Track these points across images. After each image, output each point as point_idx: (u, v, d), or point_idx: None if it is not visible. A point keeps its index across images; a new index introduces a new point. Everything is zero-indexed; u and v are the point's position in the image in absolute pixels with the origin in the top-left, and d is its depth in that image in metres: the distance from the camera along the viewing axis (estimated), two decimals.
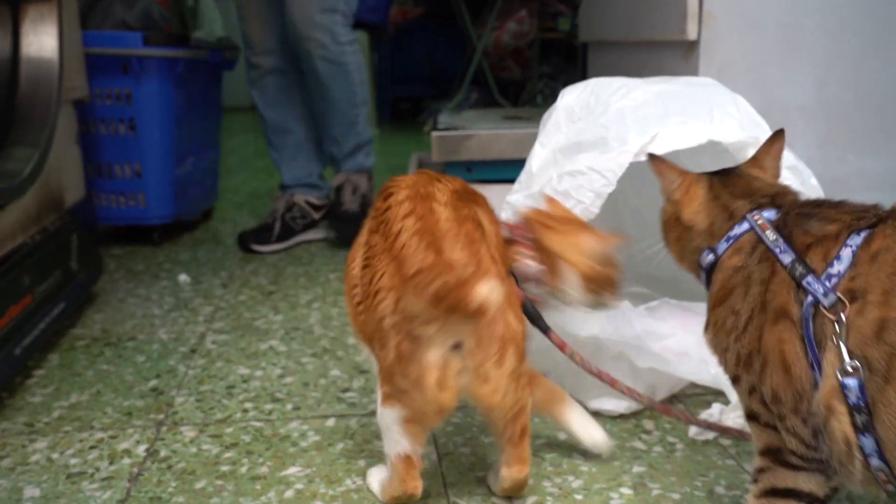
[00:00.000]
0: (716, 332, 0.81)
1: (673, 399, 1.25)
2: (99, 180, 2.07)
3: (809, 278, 0.71)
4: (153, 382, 1.34)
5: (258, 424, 1.19)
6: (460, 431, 1.16)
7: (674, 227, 0.89)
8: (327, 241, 2.25)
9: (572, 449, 1.10)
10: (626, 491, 1.00)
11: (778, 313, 0.73)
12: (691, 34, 1.63)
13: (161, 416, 1.22)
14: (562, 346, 1.06)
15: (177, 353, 1.46)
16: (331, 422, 1.20)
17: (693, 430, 1.13)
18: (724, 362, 0.82)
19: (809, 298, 0.71)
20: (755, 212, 0.81)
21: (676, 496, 0.98)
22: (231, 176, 3.33)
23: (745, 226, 0.81)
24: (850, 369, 0.67)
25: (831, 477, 0.75)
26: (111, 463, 1.08)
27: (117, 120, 2.04)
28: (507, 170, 1.42)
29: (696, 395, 1.26)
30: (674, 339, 1.23)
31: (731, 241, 0.81)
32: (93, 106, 2.00)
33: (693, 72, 1.66)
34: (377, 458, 1.08)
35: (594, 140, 1.15)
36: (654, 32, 1.78)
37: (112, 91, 2.01)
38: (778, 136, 0.91)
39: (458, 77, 4.13)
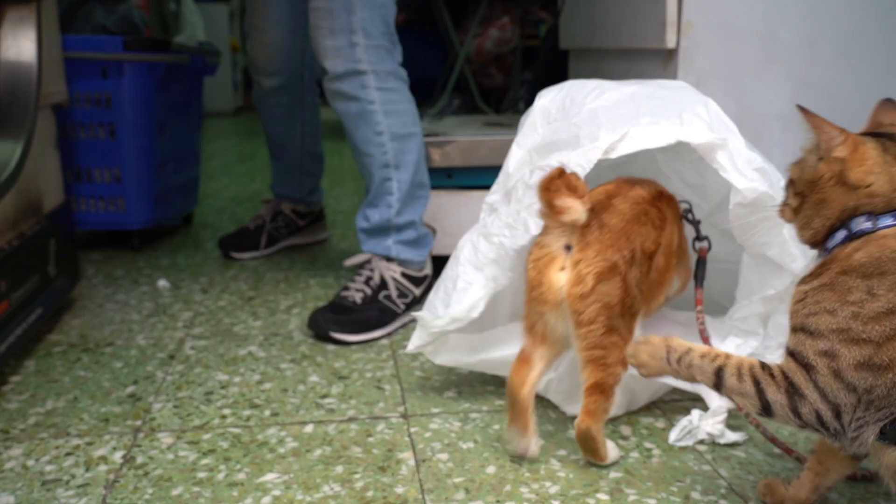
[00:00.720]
0: (823, 289, 0.77)
1: (651, 406, 1.25)
2: (78, 185, 2.06)
3: None
4: (131, 388, 1.33)
5: (236, 431, 1.18)
6: (438, 437, 1.16)
7: (823, 188, 0.80)
8: (311, 245, 2.26)
9: (550, 455, 1.10)
10: (602, 497, 1.00)
11: None
12: (670, 42, 1.64)
13: (138, 423, 1.21)
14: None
15: (155, 359, 1.45)
16: (309, 428, 1.19)
17: (672, 437, 1.14)
18: (807, 315, 0.78)
19: None
20: None
21: (652, 502, 0.99)
22: (212, 181, 3.32)
23: None
24: None
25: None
26: (87, 470, 1.07)
27: (97, 124, 2.03)
28: (488, 176, 1.43)
29: (674, 402, 1.27)
30: None
31: None
32: (72, 110, 1.99)
33: (672, 79, 1.68)
34: (355, 463, 1.08)
35: (567, 139, 1.17)
36: (634, 40, 1.79)
37: (92, 95, 2.00)
38: (889, 104, 0.88)
39: (441, 83, 4.14)
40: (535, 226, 1.15)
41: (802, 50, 1.68)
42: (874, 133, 0.83)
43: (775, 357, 1.21)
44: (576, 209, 0.98)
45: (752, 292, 1.20)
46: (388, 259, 1.63)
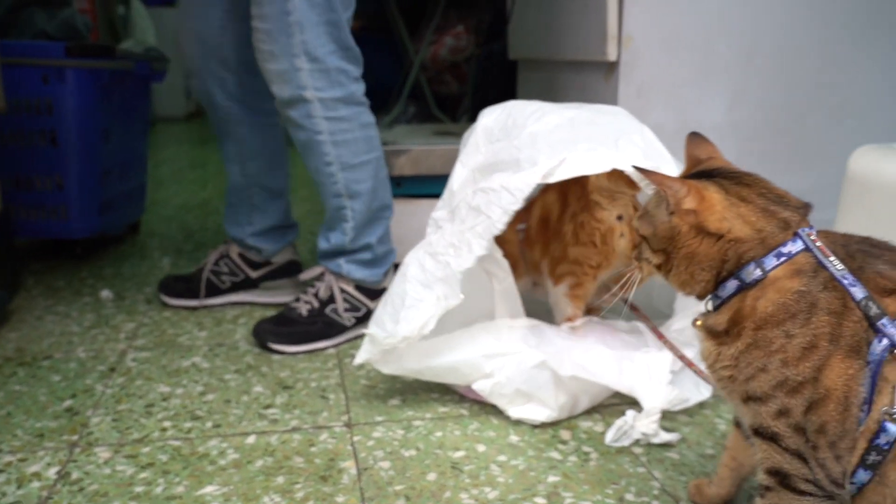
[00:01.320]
0: (749, 349, 0.77)
1: (592, 410, 1.28)
2: (18, 193, 2.01)
3: (885, 320, 0.70)
4: (68, 402, 1.31)
5: (176, 443, 1.17)
6: (381, 446, 1.17)
7: (686, 242, 0.80)
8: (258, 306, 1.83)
9: (491, 460, 1.12)
10: (540, 500, 1.02)
11: (853, 349, 0.72)
12: (611, 55, 1.68)
13: (75, 438, 1.19)
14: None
15: (95, 372, 1.43)
16: (251, 439, 1.19)
17: (609, 437, 1.17)
18: (746, 380, 0.78)
19: (885, 342, 0.70)
20: (807, 229, 0.77)
21: None
22: (161, 188, 3.27)
23: (800, 244, 0.76)
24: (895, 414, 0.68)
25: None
26: (19, 487, 1.05)
27: (37, 131, 1.98)
28: (437, 185, 1.44)
29: (614, 406, 1.29)
30: (594, 352, 1.27)
31: (783, 259, 0.76)
32: (11, 117, 1.94)
33: (614, 92, 1.72)
34: (296, 474, 1.08)
35: (508, 161, 1.19)
36: (578, 53, 1.83)
37: (32, 102, 1.96)
38: (697, 137, 0.90)
39: (396, 91, 4.15)
40: (478, 247, 1.17)
41: (739, 63, 1.74)
42: (701, 173, 0.84)
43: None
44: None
45: (687, 305, 1.24)
46: (340, 276, 1.61)
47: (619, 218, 1.31)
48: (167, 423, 1.24)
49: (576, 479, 1.07)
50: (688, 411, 1.27)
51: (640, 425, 1.16)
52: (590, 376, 1.21)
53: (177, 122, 5.94)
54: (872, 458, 0.70)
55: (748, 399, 0.78)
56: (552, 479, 1.07)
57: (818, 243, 0.76)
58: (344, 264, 1.60)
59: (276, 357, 1.50)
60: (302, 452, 1.15)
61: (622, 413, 1.24)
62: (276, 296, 1.82)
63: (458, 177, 1.29)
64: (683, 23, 1.69)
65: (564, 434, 1.20)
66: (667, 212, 0.81)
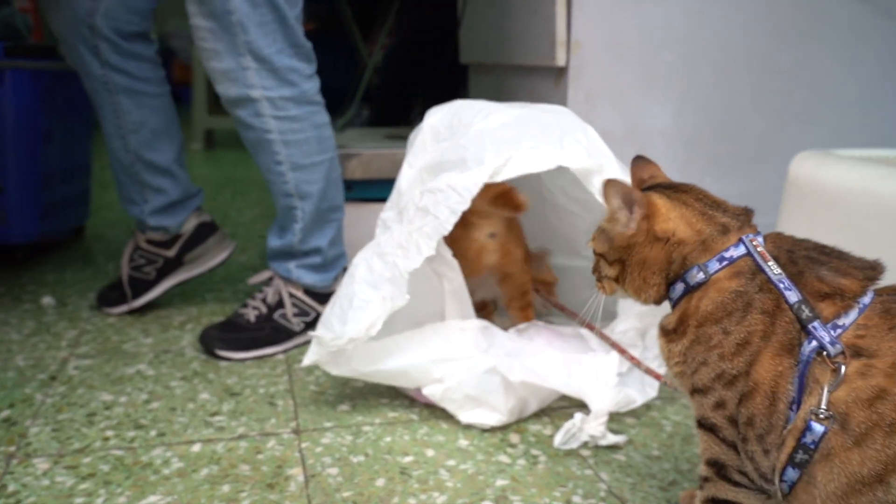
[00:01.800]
0: (693, 345, 0.81)
1: (540, 413, 1.29)
2: None
3: (816, 324, 0.73)
4: (5, 413, 1.27)
5: (119, 453, 1.15)
6: (329, 452, 1.16)
7: (640, 248, 0.85)
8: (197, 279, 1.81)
9: (440, 465, 1.12)
10: None
11: (784, 347, 0.75)
12: (560, 61, 1.70)
13: (12, 449, 1.15)
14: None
15: (34, 381, 1.39)
16: (196, 447, 1.17)
17: (557, 440, 1.18)
18: (692, 374, 0.81)
19: (814, 343, 0.72)
20: (751, 235, 0.81)
21: None
22: (108, 191, 3.19)
23: (742, 249, 0.80)
24: (822, 416, 0.71)
25: (771, 496, 0.79)
26: None
27: None
28: (388, 189, 1.44)
29: (562, 409, 1.31)
30: (542, 356, 1.28)
31: (725, 263, 0.80)
32: None
33: (563, 96, 1.74)
34: (242, 482, 1.07)
35: (455, 160, 1.20)
36: (527, 58, 1.85)
37: None
38: (641, 160, 0.94)
39: (350, 93, 4.13)
40: (426, 247, 1.18)
41: (683, 70, 1.77)
42: (643, 189, 0.88)
43: (655, 367, 1.27)
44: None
45: (630, 307, 1.26)
46: (289, 280, 1.60)
47: (492, 235, 1.38)
48: (109, 433, 1.21)
49: (524, 483, 1.08)
50: (635, 413, 1.29)
51: (588, 428, 1.17)
52: (539, 380, 1.22)
53: None
54: (800, 456, 0.72)
55: (693, 391, 0.82)
56: (500, 482, 1.08)
57: (759, 249, 0.79)
58: (294, 269, 1.58)
59: (223, 364, 1.48)
60: (248, 460, 1.13)
61: (571, 416, 1.25)
62: (207, 262, 1.78)
63: (406, 177, 1.29)
64: (629, 30, 1.73)
65: (513, 437, 1.21)
66: (625, 221, 0.85)
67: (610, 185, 0.84)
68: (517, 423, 1.25)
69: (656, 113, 1.77)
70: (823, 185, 1.25)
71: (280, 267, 1.59)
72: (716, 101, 1.80)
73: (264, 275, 1.63)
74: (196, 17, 1.41)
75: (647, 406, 1.31)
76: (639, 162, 0.95)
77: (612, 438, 1.17)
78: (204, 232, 1.78)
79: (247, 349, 1.50)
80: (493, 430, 1.23)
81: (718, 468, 0.82)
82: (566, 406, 1.31)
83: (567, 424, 1.19)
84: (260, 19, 1.40)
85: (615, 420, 1.25)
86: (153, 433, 1.21)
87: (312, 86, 1.50)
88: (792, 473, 0.73)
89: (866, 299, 0.74)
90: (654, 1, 1.72)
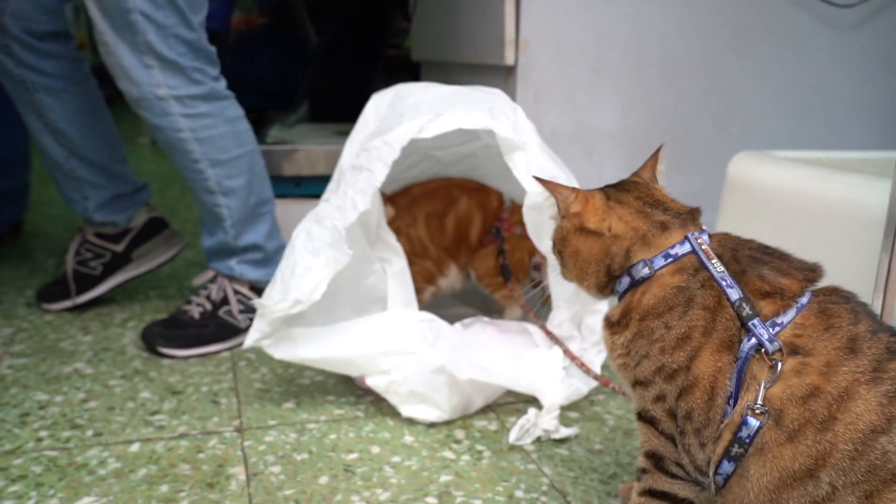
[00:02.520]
0: (636, 338, 0.82)
1: (486, 409, 1.30)
2: None
3: (756, 321, 0.75)
4: None
5: (52, 454, 1.12)
6: (273, 450, 1.14)
7: (573, 241, 0.89)
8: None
9: (384, 462, 1.12)
10: (431, 500, 1.02)
11: (724, 344, 0.76)
12: (509, 60, 1.71)
13: None
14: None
15: None
16: (135, 447, 1.14)
17: (513, 437, 1.18)
18: (634, 366, 0.83)
19: (753, 341, 0.74)
20: (696, 234, 0.82)
21: (478, 502, 1.02)
22: (49, 186, 3.10)
23: (687, 246, 0.81)
24: (758, 411, 0.72)
25: (707, 489, 0.81)
26: None
27: None
28: None
29: (509, 405, 1.32)
30: (488, 351, 1.29)
31: (670, 260, 0.82)
32: None
33: (512, 95, 1.75)
34: (182, 482, 1.05)
35: (391, 126, 1.24)
36: (477, 56, 1.85)
37: None
38: (655, 153, 0.96)
39: (302, 89, 4.08)
40: (361, 202, 1.20)
41: (629, 71, 1.80)
42: (613, 185, 0.93)
43: (592, 356, 1.29)
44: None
45: (560, 297, 1.29)
46: (232, 278, 1.57)
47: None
48: (43, 433, 1.17)
49: (468, 478, 1.08)
50: (578, 408, 1.30)
51: (542, 422, 1.19)
52: (488, 377, 1.23)
53: None
54: (735, 450, 0.74)
55: (635, 384, 0.84)
56: (445, 478, 1.08)
57: (704, 247, 0.81)
58: (236, 266, 1.56)
59: (165, 361, 1.45)
60: (189, 459, 1.11)
61: (517, 412, 1.27)
62: (155, 259, 1.74)
63: (347, 154, 1.32)
64: (578, 30, 1.74)
65: (459, 433, 1.21)
66: (559, 215, 0.90)
67: (543, 184, 0.90)
68: (462, 420, 1.26)
69: (603, 113, 1.80)
70: (759, 185, 1.28)
71: (221, 265, 1.57)
72: (662, 102, 1.84)
73: (208, 274, 1.60)
74: (93, 10, 1.35)
75: (591, 401, 1.33)
76: (652, 158, 0.96)
77: (564, 432, 1.19)
78: (154, 227, 1.74)
79: (190, 346, 1.48)
80: (438, 426, 1.23)
81: (656, 460, 0.84)
82: (512, 402, 1.32)
83: (521, 420, 1.19)
84: (162, 21, 1.35)
85: (565, 413, 1.27)
86: (90, 433, 1.18)
87: (220, 84, 1.47)
88: (727, 466, 0.75)
89: (804, 299, 0.76)
90: (603, 2, 1.74)
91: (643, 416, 0.84)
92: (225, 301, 1.54)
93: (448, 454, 1.15)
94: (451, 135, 1.50)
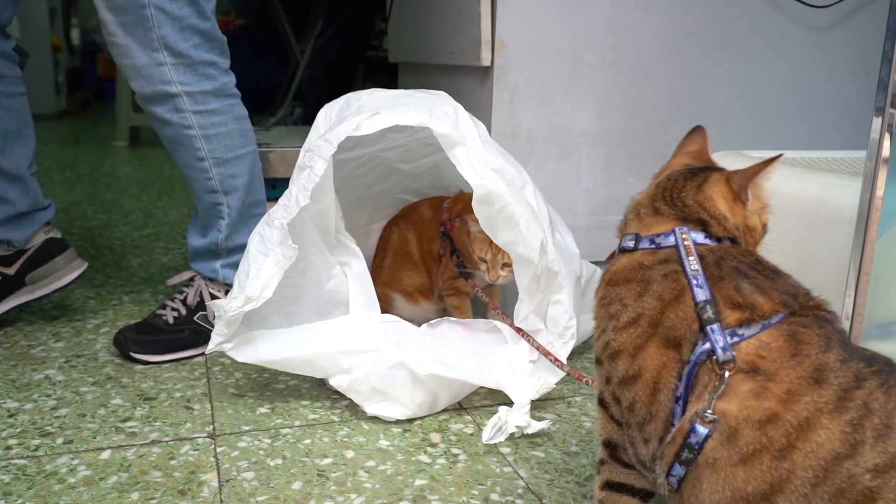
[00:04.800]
0: (602, 305, 0.82)
1: (462, 412, 1.29)
2: None
3: (715, 326, 0.72)
4: None
5: (21, 462, 1.10)
6: (246, 456, 1.13)
7: None
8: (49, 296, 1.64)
9: (359, 466, 1.11)
10: None
11: (671, 341, 0.74)
12: (485, 61, 1.71)
13: None
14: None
15: None
16: (105, 454, 1.13)
17: (485, 436, 1.18)
18: (596, 339, 0.83)
19: (706, 346, 0.71)
20: (684, 229, 0.80)
21: None
22: None
23: (672, 239, 0.80)
24: (707, 419, 0.70)
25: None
26: None
27: None
28: None
29: (484, 407, 1.31)
30: (453, 348, 1.28)
31: (652, 246, 0.81)
32: None
33: (489, 96, 1.75)
34: (153, 489, 1.03)
35: (333, 127, 1.28)
36: (454, 57, 1.85)
37: None
38: (697, 131, 0.94)
39: (282, 92, 4.06)
40: (303, 198, 1.22)
41: (605, 72, 1.80)
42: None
43: (558, 348, 1.29)
44: None
45: (520, 288, 1.29)
46: (212, 280, 1.56)
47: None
48: (12, 441, 1.15)
49: (443, 482, 1.08)
50: (554, 410, 1.30)
51: (513, 419, 1.18)
52: (450, 373, 1.23)
53: (46, 121, 5.58)
54: (686, 454, 0.72)
55: (595, 361, 0.83)
56: (419, 482, 1.07)
57: (687, 243, 0.79)
58: (220, 269, 1.54)
59: (138, 367, 1.43)
60: (160, 466, 1.10)
61: (493, 414, 1.26)
62: (53, 282, 1.61)
63: (298, 161, 1.34)
64: (554, 32, 1.74)
65: (434, 437, 1.21)
66: None
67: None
68: (438, 423, 1.25)
69: (579, 114, 1.80)
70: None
71: (204, 267, 1.55)
72: (637, 103, 1.84)
73: (184, 275, 1.58)
74: (104, 11, 1.36)
75: (567, 403, 1.32)
76: (693, 134, 0.95)
77: (536, 426, 1.18)
78: (52, 249, 1.61)
79: (164, 352, 1.46)
80: (413, 430, 1.22)
81: (611, 449, 0.82)
82: (489, 404, 1.31)
83: (492, 420, 1.19)
84: (177, 12, 1.36)
85: (536, 406, 1.26)
86: (60, 441, 1.16)
87: (230, 79, 1.48)
88: (679, 469, 0.73)
89: (774, 319, 0.73)
90: (578, 3, 1.74)
91: (599, 400, 0.83)
92: (201, 306, 1.52)
93: (423, 458, 1.14)
94: (414, 147, 1.53)
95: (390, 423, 1.24)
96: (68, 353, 1.49)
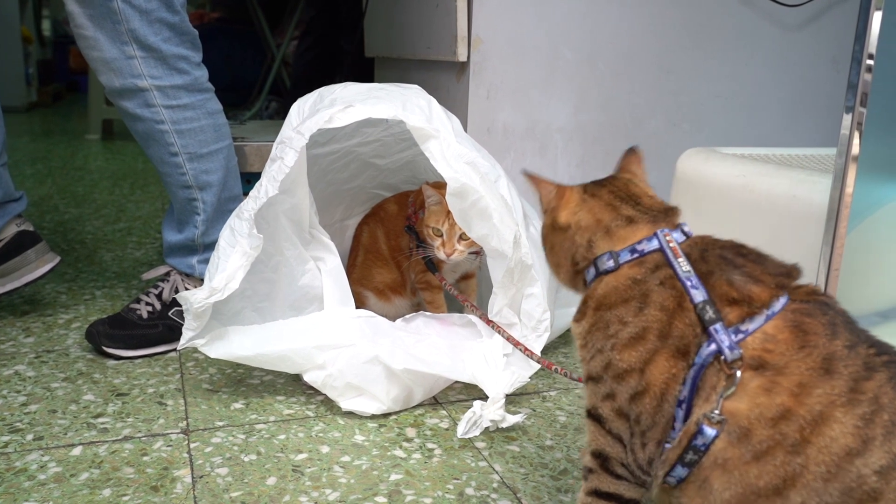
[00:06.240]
0: (592, 331, 0.80)
1: (437, 407, 1.29)
2: None
3: (718, 326, 0.70)
4: None
5: None
6: (220, 452, 1.12)
7: (549, 236, 0.88)
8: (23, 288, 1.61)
9: (334, 461, 1.11)
10: (381, 500, 1.02)
11: (680, 351, 0.73)
12: (461, 56, 1.71)
13: None
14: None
15: None
16: (77, 451, 1.11)
17: (461, 431, 1.18)
18: (589, 360, 0.81)
19: (713, 346, 0.70)
20: (665, 230, 0.79)
21: (428, 500, 1.02)
22: None
23: (655, 243, 0.78)
24: (714, 420, 0.69)
25: (650, 489, 0.79)
26: None
27: None
28: None
29: (459, 402, 1.31)
30: (428, 342, 1.29)
31: (636, 255, 0.79)
32: None
33: (465, 92, 1.75)
34: (125, 485, 1.02)
35: (305, 120, 1.28)
36: (430, 52, 1.84)
37: None
38: (632, 152, 0.95)
39: (258, 86, 4.03)
40: (272, 189, 1.23)
41: (582, 68, 1.81)
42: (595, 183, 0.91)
43: (532, 342, 1.29)
44: None
45: (493, 281, 1.30)
46: (189, 276, 1.54)
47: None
48: None
49: (418, 476, 1.08)
50: (529, 405, 1.31)
51: (488, 413, 1.19)
52: (425, 367, 1.23)
53: (17, 113, 5.49)
54: (690, 457, 0.72)
55: (588, 379, 0.81)
56: (395, 477, 1.07)
57: (672, 244, 0.78)
58: (197, 264, 1.53)
59: (111, 363, 1.42)
60: (133, 462, 1.09)
61: (466, 408, 1.26)
62: (24, 275, 1.58)
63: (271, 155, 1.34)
64: (530, 27, 1.75)
65: (410, 432, 1.21)
66: (542, 210, 0.90)
67: (530, 179, 0.89)
68: (414, 418, 1.25)
69: (556, 109, 1.80)
70: (707, 181, 1.30)
71: (181, 263, 1.53)
72: (614, 99, 1.85)
73: (160, 270, 1.56)
74: (71, 3, 1.33)
75: (542, 397, 1.33)
76: (629, 155, 0.95)
77: (511, 419, 1.19)
78: (23, 241, 1.58)
79: (137, 347, 1.44)
80: (389, 425, 1.22)
81: (602, 460, 0.82)
82: (464, 399, 1.32)
83: (467, 414, 1.19)
84: (143, 6, 1.34)
85: (510, 401, 1.27)
86: (30, 437, 1.14)
87: (203, 73, 1.46)
88: (681, 471, 0.73)
89: (776, 307, 0.71)
90: None
91: (591, 414, 0.82)
92: (176, 302, 1.50)
93: (399, 453, 1.14)
94: (389, 142, 1.52)
95: (365, 418, 1.24)
96: (39, 349, 1.47)
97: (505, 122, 1.77)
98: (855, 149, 1.03)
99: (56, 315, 1.64)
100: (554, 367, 1.24)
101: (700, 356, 0.71)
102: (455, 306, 1.57)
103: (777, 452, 0.66)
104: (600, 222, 0.83)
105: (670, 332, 0.74)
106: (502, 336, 1.27)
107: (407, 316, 1.38)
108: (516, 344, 1.25)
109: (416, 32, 1.91)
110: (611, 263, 0.80)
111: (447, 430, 1.21)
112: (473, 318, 1.36)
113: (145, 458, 1.10)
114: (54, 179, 3.23)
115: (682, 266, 0.75)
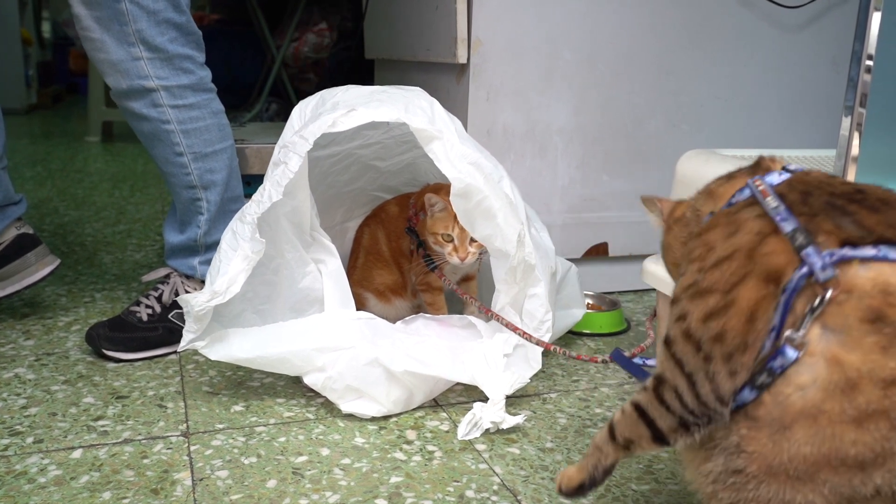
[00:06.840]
0: (676, 251, 0.83)
1: (438, 409, 1.29)
2: None
3: (810, 249, 0.65)
4: None
5: None
6: (220, 454, 1.12)
7: (668, 233, 0.90)
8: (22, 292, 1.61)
9: (334, 464, 1.10)
10: (380, 502, 1.02)
11: (770, 274, 0.67)
12: (461, 58, 1.71)
13: None
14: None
15: None
16: (77, 453, 1.11)
17: (461, 432, 1.18)
18: (674, 279, 0.82)
19: (804, 269, 0.65)
20: (757, 177, 0.77)
21: (428, 503, 1.02)
22: None
23: (748, 192, 0.76)
24: (797, 342, 0.63)
25: (685, 434, 0.74)
26: None
27: None
28: None
29: (459, 404, 1.31)
30: (428, 344, 1.28)
31: (730, 205, 0.78)
32: None
33: (465, 94, 1.75)
34: (125, 488, 1.02)
35: (308, 124, 1.28)
36: (430, 54, 1.84)
37: None
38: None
39: (258, 87, 4.03)
40: (275, 193, 1.22)
41: (582, 69, 1.81)
42: None
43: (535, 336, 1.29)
44: None
45: (496, 279, 1.31)
46: (189, 277, 1.54)
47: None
48: None
49: (418, 479, 1.08)
50: (530, 406, 1.31)
51: (488, 415, 1.19)
52: (425, 369, 1.23)
53: (17, 115, 5.49)
54: (762, 378, 0.66)
55: (672, 303, 0.78)
56: (395, 479, 1.07)
57: (761, 187, 0.75)
58: (198, 266, 1.53)
59: (111, 365, 1.42)
60: (133, 465, 1.08)
61: (466, 410, 1.26)
62: (24, 278, 1.57)
63: (273, 157, 1.33)
64: (530, 29, 1.74)
65: (410, 434, 1.21)
66: (662, 229, 0.93)
67: (648, 202, 0.96)
68: (414, 420, 1.25)
69: (556, 111, 1.80)
70: (705, 182, 1.30)
71: (182, 264, 1.53)
72: (614, 100, 1.85)
73: (160, 272, 1.56)
74: (78, 6, 1.34)
75: (543, 399, 1.33)
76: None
77: (511, 421, 1.19)
78: (23, 244, 1.58)
79: (137, 350, 1.44)
80: (389, 427, 1.22)
81: (658, 382, 0.77)
82: (465, 401, 1.32)
83: (468, 416, 1.19)
84: (151, 6, 1.34)
85: (510, 402, 1.27)
86: (30, 440, 1.14)
87: (207, 73, 1.47)
88: (748, 394, 0.67)
89: (893, 254, 0.64)
90: (555, 0, 1.75)
91: (665, 339, 0.77)
92: (176, 304, 1.50)
93: (399, 455, 1.14)
94: (390, 144, 1.52)
95: (366, 420, 1.24)
96: (39, 352, 1.47)
97: (505, 124, 1.77)
98: (854, 149, 1.03)
99: (56, 318, 1.64)
100: (553, 347, 1.24)
101: (791, 281, 0.66)
102: (455, 308, 1.57)
103: (881, 422, 0.60)
104: (705, 188, 0.87)
105: (759, 251, 0.69)
106: (501, 323, 1.27)
107: (407, 318, 1.38)
108: (515, 329, 1.25)
109: (416, 34, 1.91)
110: (709, 215, 0.80)
111: (447, 432, 1.21)
112: (473, 319, 1.36)
113: (145, 461, 1.10)
114: (54, 182, 3.23)
115: (772, 203, 0.71)
